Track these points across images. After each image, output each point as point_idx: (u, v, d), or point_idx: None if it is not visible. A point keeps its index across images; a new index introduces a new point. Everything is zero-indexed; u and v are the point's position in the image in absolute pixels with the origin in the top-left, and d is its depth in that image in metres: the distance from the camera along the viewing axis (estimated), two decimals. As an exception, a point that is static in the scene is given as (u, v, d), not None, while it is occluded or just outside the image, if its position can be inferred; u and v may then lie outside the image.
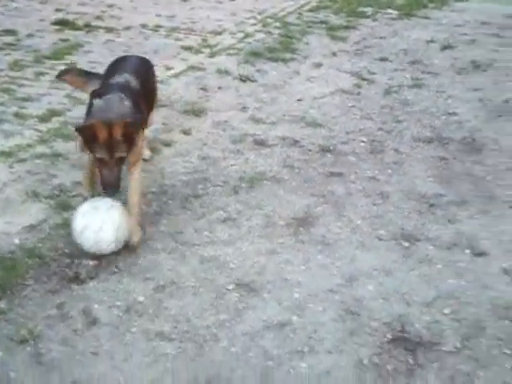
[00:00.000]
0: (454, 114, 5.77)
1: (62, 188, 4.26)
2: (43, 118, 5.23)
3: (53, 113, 5.34)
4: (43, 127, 5.09)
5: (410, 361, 3.01)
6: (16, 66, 6.40)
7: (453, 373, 2.96)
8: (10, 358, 2.90)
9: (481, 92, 6.29)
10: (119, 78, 3.89)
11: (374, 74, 6.81)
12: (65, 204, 4.06)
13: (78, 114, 5.26)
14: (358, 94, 6.28)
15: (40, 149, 4.74)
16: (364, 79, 6.63)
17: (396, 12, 9.34)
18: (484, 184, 4.59)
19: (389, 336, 3.15)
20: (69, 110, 5.45)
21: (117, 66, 4.21)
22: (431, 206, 4.29)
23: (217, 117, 5.57)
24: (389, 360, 3.01)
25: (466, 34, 8.23)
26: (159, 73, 5.66)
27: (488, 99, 6.09)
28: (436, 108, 5.91)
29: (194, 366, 2.92)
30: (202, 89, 6.21)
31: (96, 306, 3.24)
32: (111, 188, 3.52)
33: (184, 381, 2.85)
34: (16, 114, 5.25)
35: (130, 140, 3.50)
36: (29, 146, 4.77)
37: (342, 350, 3.06)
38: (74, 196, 4.16)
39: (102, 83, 4.01)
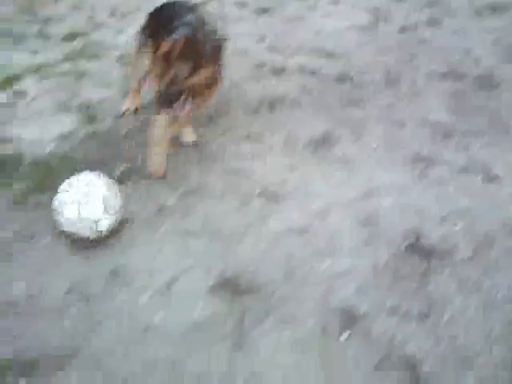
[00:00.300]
0: (470, 52, 5.89)
1: (89, 103, 4.42)
2: (67, 38, 5.36)
3: (76, 33, 5.46)
4: (67, 46, 5.22)
5: (424, 266, 3.24)
6: (36, -13, 6.49)
7: (463, 278, 3.18)
8: (54, 245, 3.16)
9: (497, 33, 6.39)
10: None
11: (391, 11, 6.90)
12: (93, 117, 4.24)
13: (100, 35, 5.42)
14: (375, 30, 6.39)
15: (65, 66, 4.89)
16: (381, 16, 6.73)
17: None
18: (498, 117, 4.75)
19: (404, 244, 3.36)
20: (91, 32, 5.56)
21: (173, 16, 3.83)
22: (446, 134, 4.46)
23: (236, 45, 5.69)
24: (404, 264, 3.24)
25: (485, -23, 8.25)
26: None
27: (504, 40, 6.20)
28: (452, 46, 6.03)
29: (222, 260, 3.16)
30: (220, 19, 6.30)
31: (128, 206, 3.44)
32: (162, 103, 3.45)
33: (213, 273, 3.08)
34: (40, 34, 5.37)
35: (195, 62, 3.42)
36: (54, 63, 4.92)
37: (359, 254, 3.28)
38: (100, 110, 4.33)
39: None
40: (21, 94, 4.55)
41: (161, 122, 3.66)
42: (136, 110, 4.30)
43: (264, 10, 6.60)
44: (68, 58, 5.03)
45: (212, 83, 3.63)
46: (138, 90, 4.29)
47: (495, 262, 3.29)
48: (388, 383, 2.63)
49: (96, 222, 3.09)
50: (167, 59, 3.43)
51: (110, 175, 3.62)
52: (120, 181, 3.61)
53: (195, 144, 3.99)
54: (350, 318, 2.92)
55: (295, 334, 2.82)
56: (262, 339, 2.79)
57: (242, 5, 6.71)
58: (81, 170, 3.65)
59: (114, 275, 3.04)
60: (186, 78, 3.45)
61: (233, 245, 3.25)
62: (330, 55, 5.62)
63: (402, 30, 6.40)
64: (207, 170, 3.82)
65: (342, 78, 5.17)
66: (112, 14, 5.94)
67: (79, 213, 3.06)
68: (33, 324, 2.81)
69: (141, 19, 4.15)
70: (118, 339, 2.76)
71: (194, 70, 3.47)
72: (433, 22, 6.59)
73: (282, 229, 3.39)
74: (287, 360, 2.70)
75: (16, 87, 4.61)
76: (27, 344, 2.73)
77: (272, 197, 3.61)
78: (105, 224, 3.13)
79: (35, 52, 5.03)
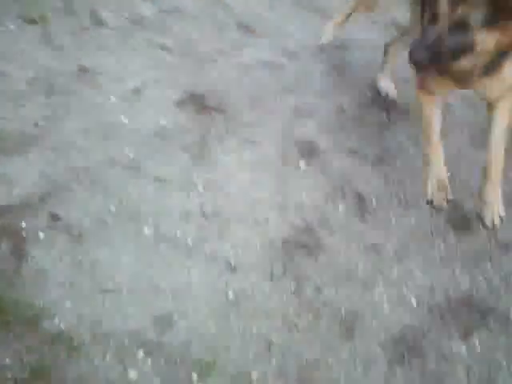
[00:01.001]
0: None
1: None
2: None
3: None
4: None
5: (384, 117, 3.19)
6: None
7: (418, 132, 3.13)
8: (22, 33, 2.91)
9: None
10: None
11: None
12: None
13: None
14: None
15: None
16: None
17: None
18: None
19: (368, 95, 3.29)
20: None
21: None
22: None
23: None
24: (366, 113, 3.17)
25: None
26: None
27: None
28: None
29: (192, 78, 3.01)
30: None
31: (104, 12, 3.21)
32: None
33: (182, 87, 2.95)
34: None
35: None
36: None
37: (325, 96, 3.19)
38: None
39: None
40: None
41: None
42: None
43: None
44: None
45: None
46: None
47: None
48: (337, 211, 2.62)
49: None
50: None
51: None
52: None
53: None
54: (309, 151, 2.87)
55: (256, 155, 2.76)
56: (223, 156, 2.72)
57: None
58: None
59: (83, 73, 2.86)
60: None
61: (205, 66, 3.10)
62: None
63: None
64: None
65: None
66: None
67: None
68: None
69: None
70: (81, 133, 2.62)
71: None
72: None
73: (254, 61, 3.25)
74: (246, 176, 2.65)
75: None
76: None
77: (247, 31, 3.43)
78: None
79: None
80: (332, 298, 2.28)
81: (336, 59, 3.47)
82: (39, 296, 1.99)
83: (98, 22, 3.12)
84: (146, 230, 2.31)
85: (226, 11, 3.52)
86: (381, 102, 3.27)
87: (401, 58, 3.24)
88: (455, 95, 3.02)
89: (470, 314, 2.31)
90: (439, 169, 2.56)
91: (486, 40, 2.05)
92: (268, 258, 2.36)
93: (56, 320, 1.95)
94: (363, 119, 3.14)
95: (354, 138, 3.02)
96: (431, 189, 2.57)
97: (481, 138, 2.72)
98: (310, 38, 3.56)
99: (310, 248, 2.45)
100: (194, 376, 1.96)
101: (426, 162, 2.60)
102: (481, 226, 2.57)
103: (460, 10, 2.02)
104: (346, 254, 2.46)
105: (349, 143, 2.98)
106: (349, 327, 2.20)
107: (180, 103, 2.87)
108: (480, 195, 2.58)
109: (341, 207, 2.65)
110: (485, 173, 2.54)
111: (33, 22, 2.98)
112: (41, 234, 2.17)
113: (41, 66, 2.81)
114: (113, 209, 2.34)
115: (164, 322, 2.05)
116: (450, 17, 2.04)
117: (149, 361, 1.95)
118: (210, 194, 2.52)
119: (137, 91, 2.86)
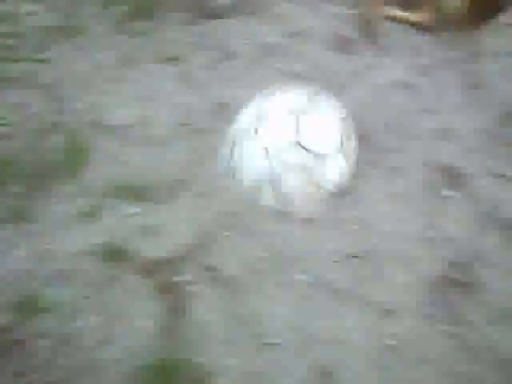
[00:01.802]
0: None
1: None
2: None
3: None
4: None
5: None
6: None
7: None
8: (162, 72, 2.93)
9: None
10: None
11: None
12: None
13: None
14: None
15: None
16: None
17: None
18: None
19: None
20: None
21: None
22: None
23: None
24: (507, 131, 2.97)
25: None
26: None
27: None
28: None
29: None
30: None
31: (232, 40, 3.18)
32: None
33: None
34: None
35: None
36: None
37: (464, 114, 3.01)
38: None
39: None
40: None
41: None
42: None
43: None
44: None
45: None
46: None
47: None
48: (492, 242, 2.47)
49: None
50: None
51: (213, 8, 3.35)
52: (220, 16, 3.32)
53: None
54: (454, 177, 2.72)
55: (400, 185, 2.65)
56: (368, 188, 2.61)
57: None
58: None
59: (220, 108, 2.84)
60: None
61: (342, 91, 2.99)
62: None
63: None
64: (313, 11, 3.47)
65: None
66: None
67: None
68: (139, 152, 2.67)
69: None
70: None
71: None
72: None
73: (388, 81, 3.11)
74: (392, 210, 2.54)
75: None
76: (136, 171, 2.60)
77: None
78: None
79: None
80: (491, 340, 2.15)
81: (473, 73, 3.26)
82: (202, 354, 1.99)
83: (228, 54, 3.09)
84: (299, 276, 2.27)
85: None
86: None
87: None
88: None
89: None
90: None
91: None
92: (423, 299, 2.26)
93: (221, 381, 1.94)
94: (508, 138, 2.94)
95: (501, 160, 2.83)
96: None
97: None
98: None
99: (466, 286, 2.32)
100: None
101: None
102: None
103: None
104: (505, 291, 2.31)
105: (495, 166, 2.80)
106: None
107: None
108: None
109: (495, 239, 2.49)
110: None
111: (171, 59, 2.98)
112: (199, 288, 2.17)
113: (181, 104, 2.82)
114: (264, 255, 2.31)
115: (326, 374, 2.00)
116: None
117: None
118: (360, 232, 2.44)
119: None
